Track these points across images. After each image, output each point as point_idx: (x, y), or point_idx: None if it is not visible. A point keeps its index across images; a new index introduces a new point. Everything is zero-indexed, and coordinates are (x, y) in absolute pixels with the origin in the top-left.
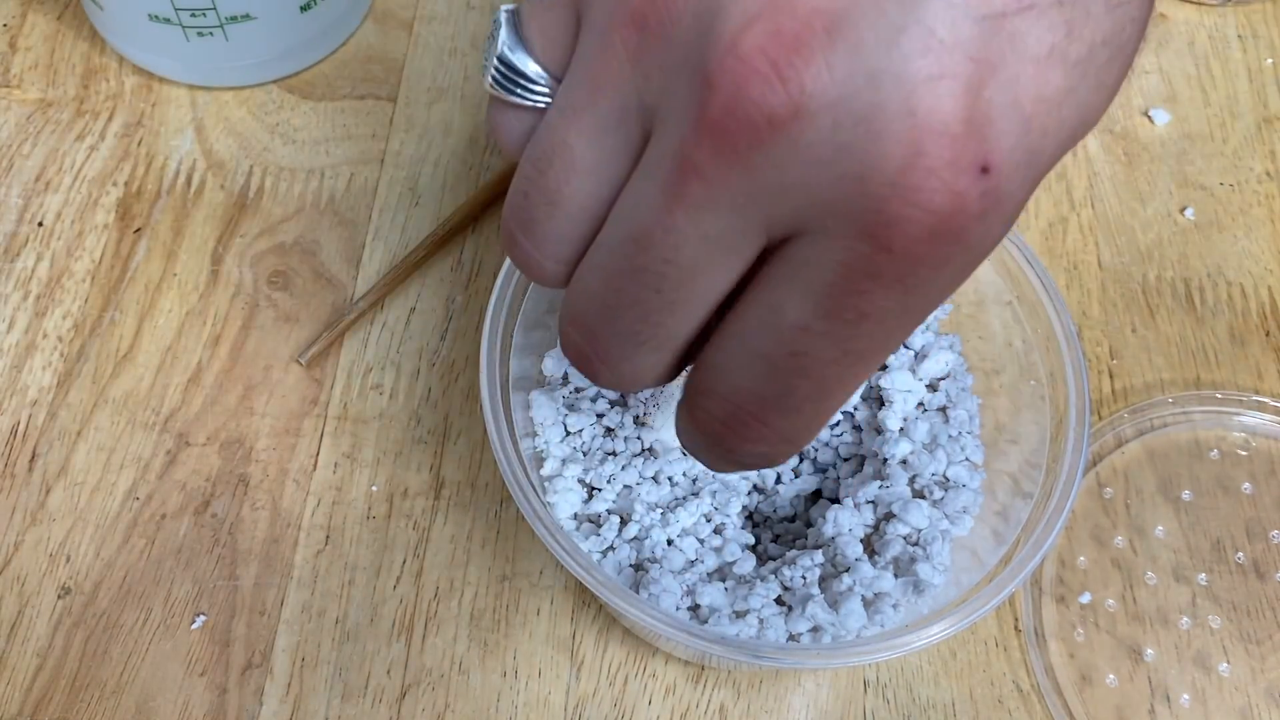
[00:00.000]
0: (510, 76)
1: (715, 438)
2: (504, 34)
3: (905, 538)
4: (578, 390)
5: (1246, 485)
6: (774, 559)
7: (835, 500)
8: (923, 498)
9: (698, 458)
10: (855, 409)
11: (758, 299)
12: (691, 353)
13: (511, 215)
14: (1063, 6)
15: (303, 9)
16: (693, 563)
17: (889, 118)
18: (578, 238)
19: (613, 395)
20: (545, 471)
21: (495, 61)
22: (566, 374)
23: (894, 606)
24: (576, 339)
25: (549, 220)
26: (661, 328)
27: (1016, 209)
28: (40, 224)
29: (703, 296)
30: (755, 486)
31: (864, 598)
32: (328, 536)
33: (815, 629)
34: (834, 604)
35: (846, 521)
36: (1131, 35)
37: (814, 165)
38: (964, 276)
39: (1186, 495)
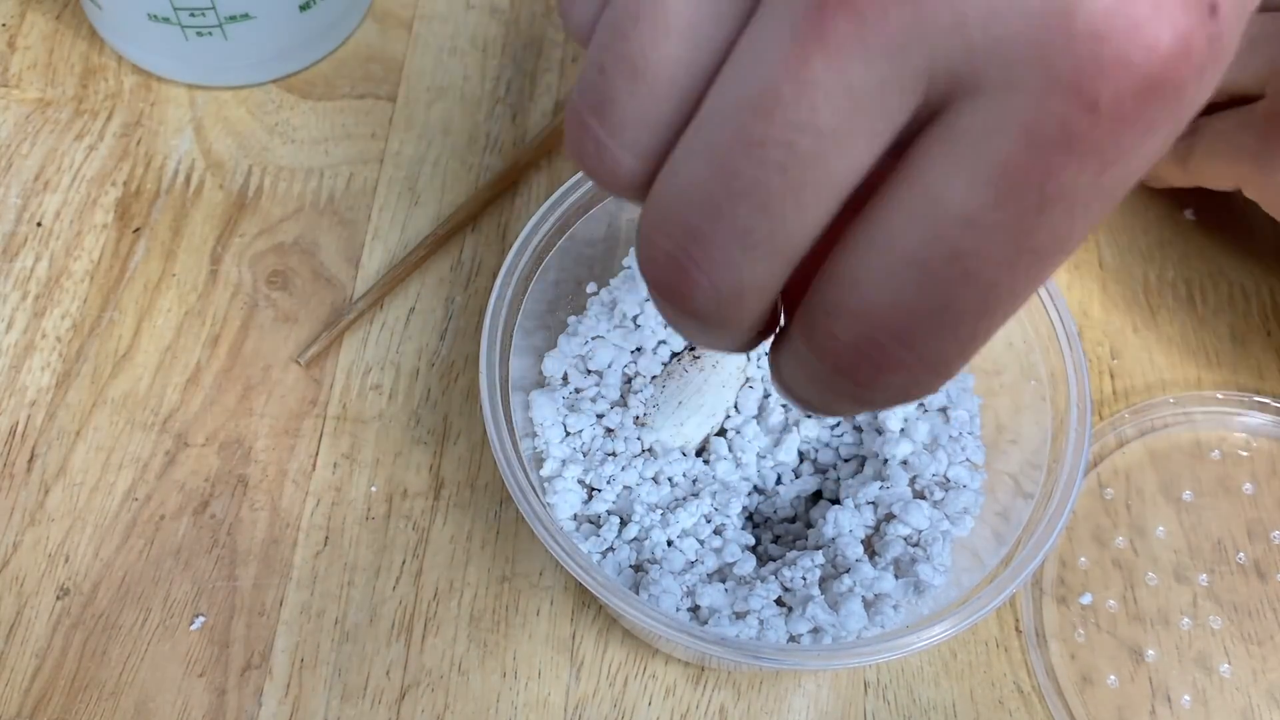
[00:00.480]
0: None
1: (843, 370)
2: None
3: (905, 538)
4: (578, 390)
5: (1247, 485)
6: (774, 560)
7: (835, 501)
8: (923, 498)
9: (803, 401)
10: None
11: (909, 186)
12: (796, 278)
13: (582, 97)
14: None
15: (302, 8)
16: (693, 563)
17: None
18: (667, 121)
19: (613, 396)
20: (545, 472)
21: None
22: (566, 374)
23: (894, 607)
24: (668, 246)
25: (631, 98)
26: (783, 223)
27: (1225, 61)
28: (39, 224)
29: (840, 179)
30: (755, 487)
31: (864, 599)
32: (327, 537)
33: (815, 630)
34: (834, 605)
35: (847, 522)
36: None
37: None
38: (1158, 153)
39: (1187, 495)
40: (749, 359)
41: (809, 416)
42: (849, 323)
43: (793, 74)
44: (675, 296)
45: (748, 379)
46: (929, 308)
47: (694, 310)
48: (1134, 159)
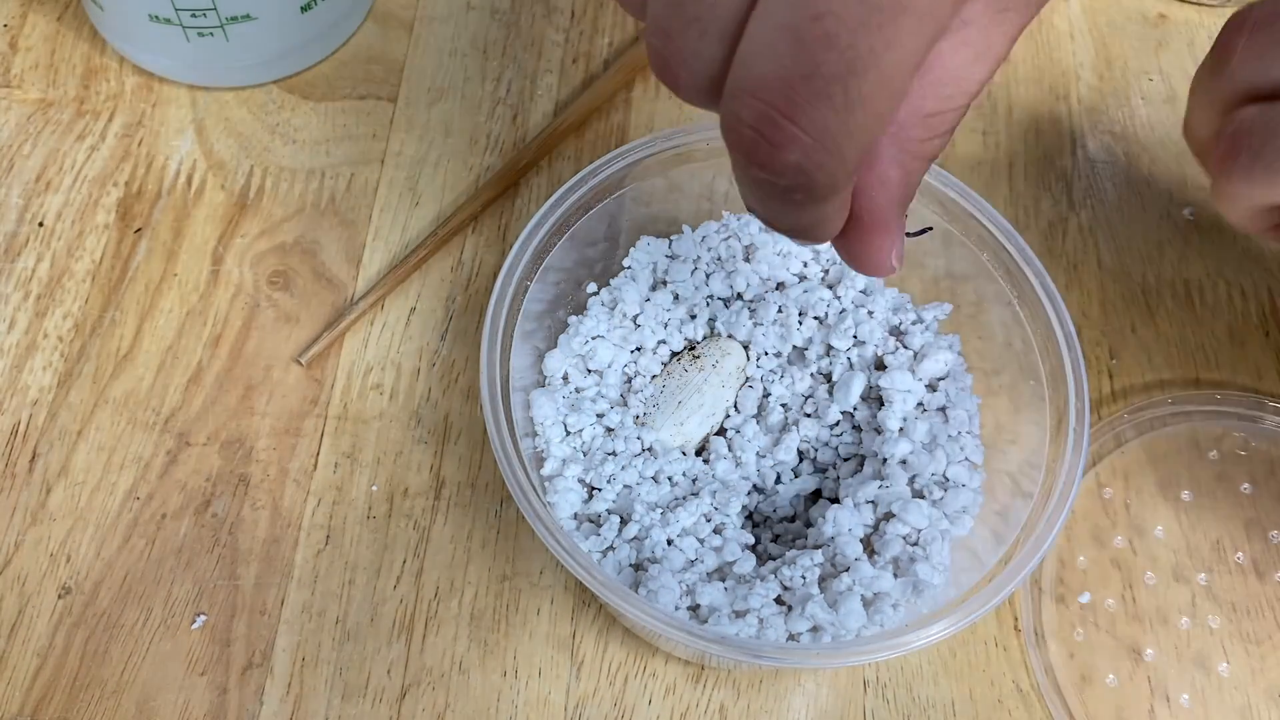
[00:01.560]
0: None
1: (751, 157)
2: None
3: (905, 538)
4: (578, 390)
5: (1246, 485)
6: (774, 559)
7: (835, 500)
8: (922, 498)
9: (754, 210)
10: (855, 409)
11: None
12: None
13: (662, 13)
14: None
15: (303, 9)
16: (692, 562)
17: None
18: (734, 12)
19: (613, 395)
20: (545, 471)
21: None
22: (566, 374)
23: (894, 606)
24: (657, 45)
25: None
26: (718, 6)
27: None
28: (41, 224)
29: None
30: (755, 486)
31: (864, 597)
32: (328, 536)
33: (815, 629)
34: (834, 604)
35: (846, 521)
36: None
37: None
38: None
39: (1186, 495)
40: (748, 358)
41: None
42: (745, 101)
43: None
44: (671, 84)
45: (747, 379)
46: (803, 73)
47: (685, 92)
48: None
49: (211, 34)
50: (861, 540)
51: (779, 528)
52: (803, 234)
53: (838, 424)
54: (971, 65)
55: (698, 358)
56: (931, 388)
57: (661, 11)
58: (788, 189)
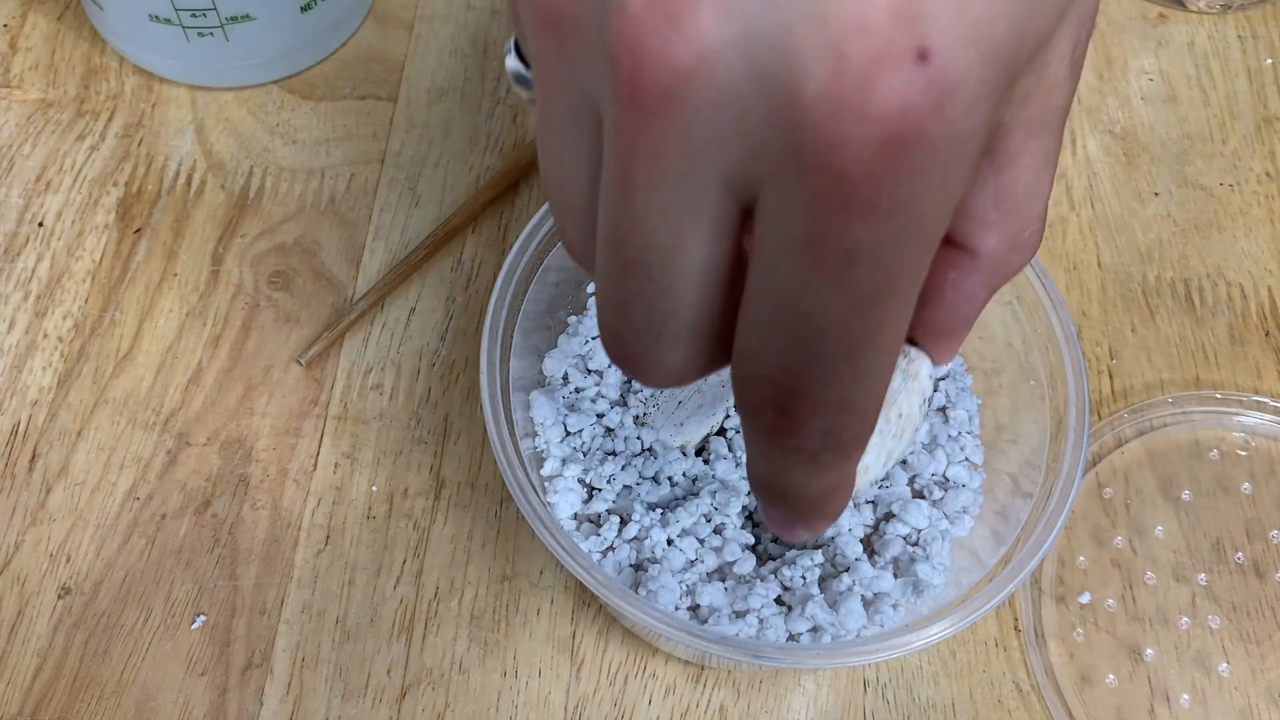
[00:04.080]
0: (518, 79)
1: (774, 429)
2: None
3: (904, 538)
4: (578, 390)
5: (1246, 485)
6: (774, 559)
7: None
8: (922, 498)
9: (770, 487)
10: None
11: (754, 268)
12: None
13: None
14: None
15: (303, 9)
16: (692, 562)
17: (800, 31)
18: (587, 233)
19: (613, 395)
20: (545, 471)
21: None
22: (566, 374)
23: (894, 606)
24: (611, 346)
25: (561, 214)
26: (671, 316)
27: (986, 89)
28: (40, 224)
29: (697, 275)
30: None
31: (864, 598)
32: (328, 536)
33: (815, 629)
34: (834, 604)
35: (846, 521)
36: None
37: (740, 106)
38: (957, 182)
39: (1186, 495)
40: None
41: (791, 547)
42: (757, 387)
43: (625, 212)
44: (635, 379)
45: None
46: (805, 360)
47: (653, 385)
48: (917, 202)
49: (211, 34)
50: (861, 540)
51: None
52: (819, 505)
53: None
54: (1038, 177)
55: None
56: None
57: (608, 317)
58: (816, 451)
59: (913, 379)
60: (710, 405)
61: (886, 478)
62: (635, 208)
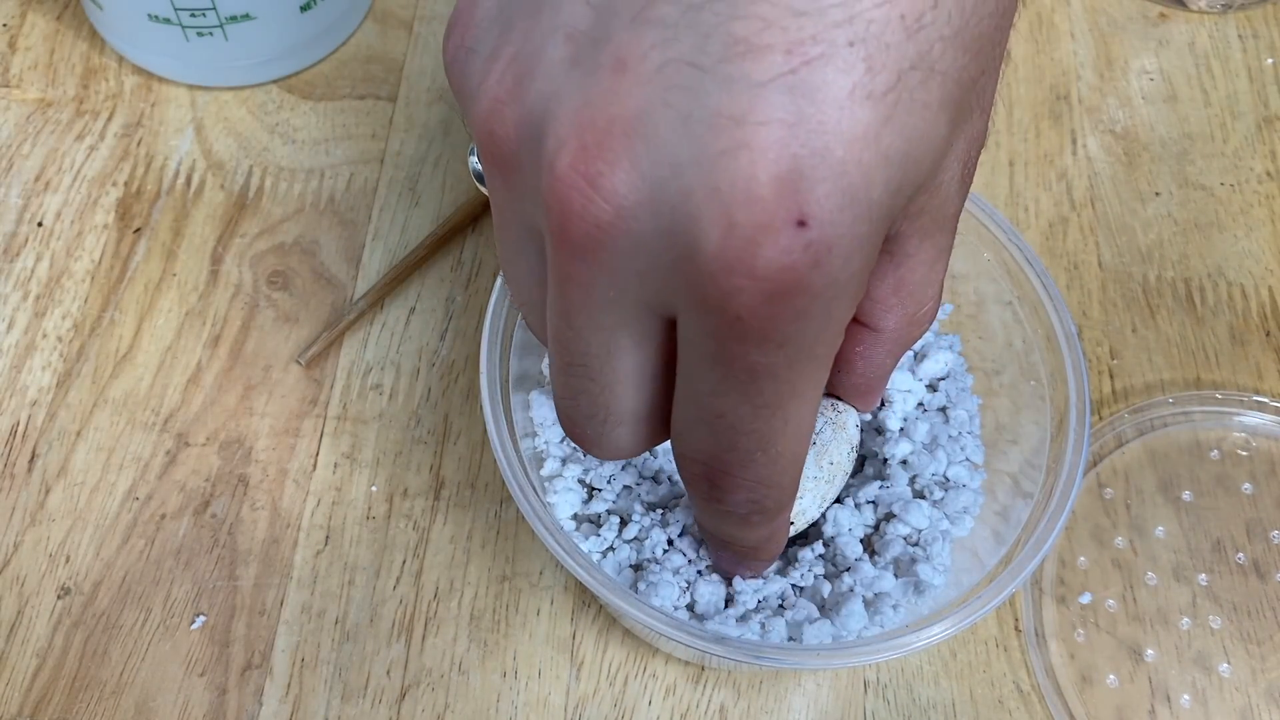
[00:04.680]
0: (479, 178)
1: (706, 495)
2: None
3: (905, 538)
4: None
5: (1247, 485)
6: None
7: (836, 500)
8: (923, 498)
9: (713, 537)
10: None
11: (680, 377)
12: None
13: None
14: (854, 46)
15: (303, 9)
16: (692, 562)
17: (698, 200)
18: (541, 321)
19: None
20: (545, 471)
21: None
22: None
23: (894, 607)
24: (565, 425)
25: (520, 305)
26: (610, 406)
27: (861, 242)
28: (40, 224)
29: (627, 375)
30: None
31: (865, 598)
32: (327, 537)
33: (815, 630)
34: (835, 605)
35: (847, 521)
36: (944, 52)
37: (652, 254)
38: (841, 313)
39: (1187, 495)
40: None
41: (741, 575)
42: (688, 463)
43: (565, 323)
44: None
45: None
46: (725, 449)
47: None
48: (804, 334)
49: (211, 34)
50: (862, 540)
51: None
52: (757, 552)
53: None
54: (932, 268)
55: None
56: (932, 388)
57: (561, 404)
58: (745, 514)
59: (841, 429)
60: None
61: (887, 479)
62: (573, 323)
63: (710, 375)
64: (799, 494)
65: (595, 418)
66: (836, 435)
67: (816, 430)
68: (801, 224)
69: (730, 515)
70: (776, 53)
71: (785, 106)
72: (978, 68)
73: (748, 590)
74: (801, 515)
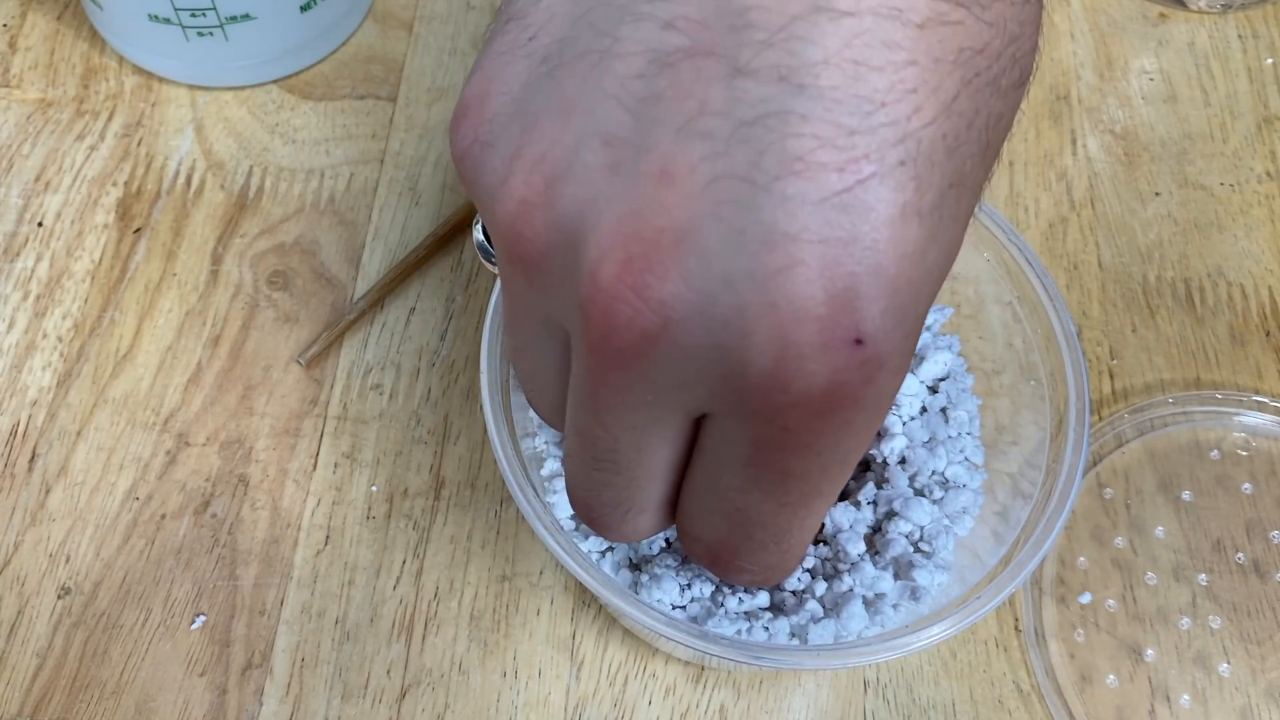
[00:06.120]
0: (485, 253)
1: (708, 566)
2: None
3: (907, 536)
4: None
5: (1247, 485)
6: None
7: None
8: (923, 497)
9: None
10: None
11: (701, 466)
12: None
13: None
14: (905, 166)
15: (303, 9)
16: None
17: (752, 315)
18: (554, 408)
19: None
20: (545, 471)
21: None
22: None
23: (894, 607)
24: (580, 511)
25: (531, 392)
26: (634, 498)
27: (904, 358)
28: (40, 224)
29: (656, 469)
30: None
31: (865, 599)
32: (328, 536)
33: (816, 630)
34: (835, 605)
35: (847, 520)
36: (973, 168)
37: (698, 364)
38: (877, 423)
39: (1187, 495)
40: None
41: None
42: (696, 544)
43: (594, 422)
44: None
45: None
46: (738, 539)
47: (743, 581)
48: (843, 443)
49: (211, 34)
50: (864, 539)
51: None
52: (762, 581)
53: None
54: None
55: None
56: (932, 389)
57: (579, 494)
58: (746, 583)
59: None
60: None
61: (887, 479)
62: (605, 423)
63: (740, 474)
64: None
65: (618, 508)
66: None
67: None
68: (858, 342)
69: (729, 577)
70: (831, 171)
71: (840, 225)
72: (986, 180)
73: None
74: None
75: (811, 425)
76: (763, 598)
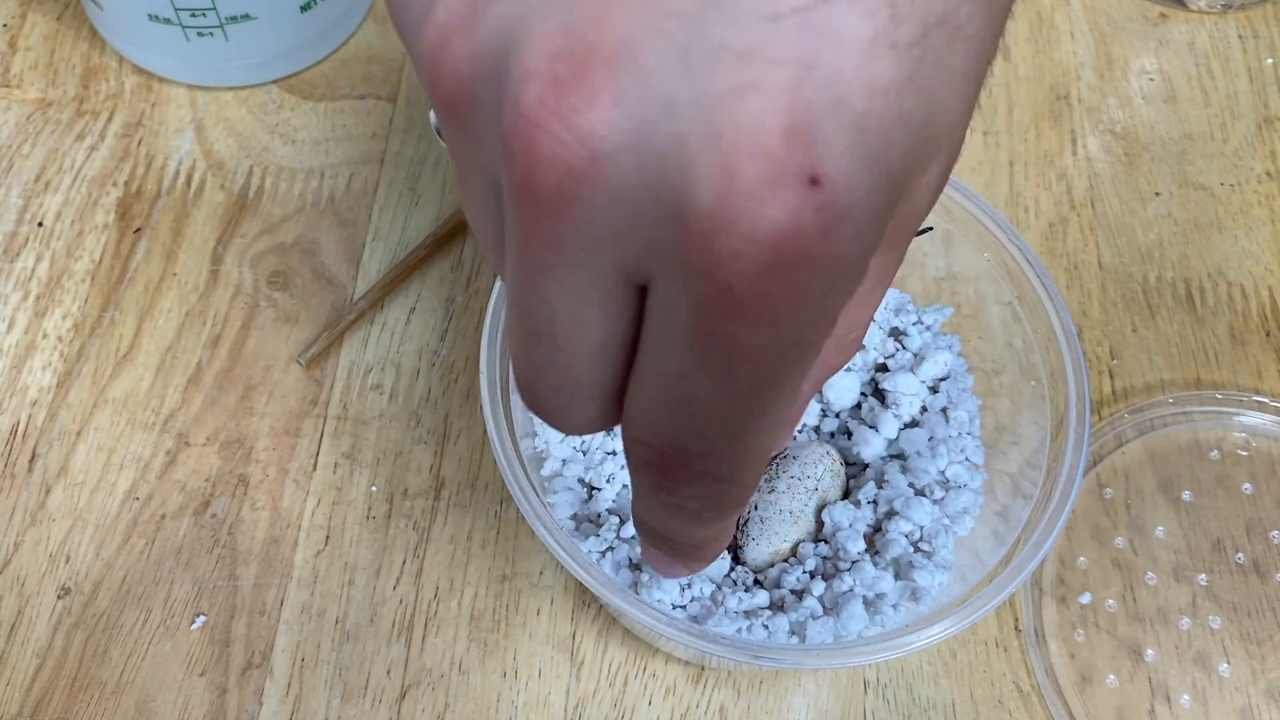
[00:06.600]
0: (440, 133)
1: (657, 484)
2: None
3: (907, 536)
4: None
5: (1247, 485)
6: None
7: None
8: (923, 497)
9: (654, 533)
10: (858, 406)
11: (643, 349)
12: None
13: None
14: None
15: (303, 9)
16: None
17: (694, 145)
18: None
19: None
20: (545, 471)
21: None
22: None
23: (894, 607)
24: (528, 399)
25: (484, 247)
26: (579, 379)
27: (875, 215)
28: (40, 224)
29: (599, 347)
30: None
31: (865, 598)
32: (328, 537)
33: (816, 629)
34: (835, 605)
35: (846, 518)
36: (971, 15)
37: (632, 207)
38: (843, 293)
39: (1187, 495)
40: None
41: (673, 575)
42: (639, 447)
43: (528, 289)
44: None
45: None
46: (687, 437)
47: (566, 434)
48: (799, 313)
49: (211, 34)
50: (864, 538)
51: None
52: (696, 552)
53: (838, 425)
54: (874, 288)
55: None
56: (932, 389)
57: (523, 375)
58: (696, 510)
59: (837, 477)
60: (790, 524)
61: (887, 479)
62: (536, 287)
63: (683, 353)
64: (780, 537)
65: (561, 390)
66: (834, 482)
67: (817, 477)
68: (814, 182)
69: (677, 510)
70: None
71: (801, 46)
72: (993, 47)
73: (672, 588)
74: (775, 553)
75: (758, 283)
76: (762, 596)
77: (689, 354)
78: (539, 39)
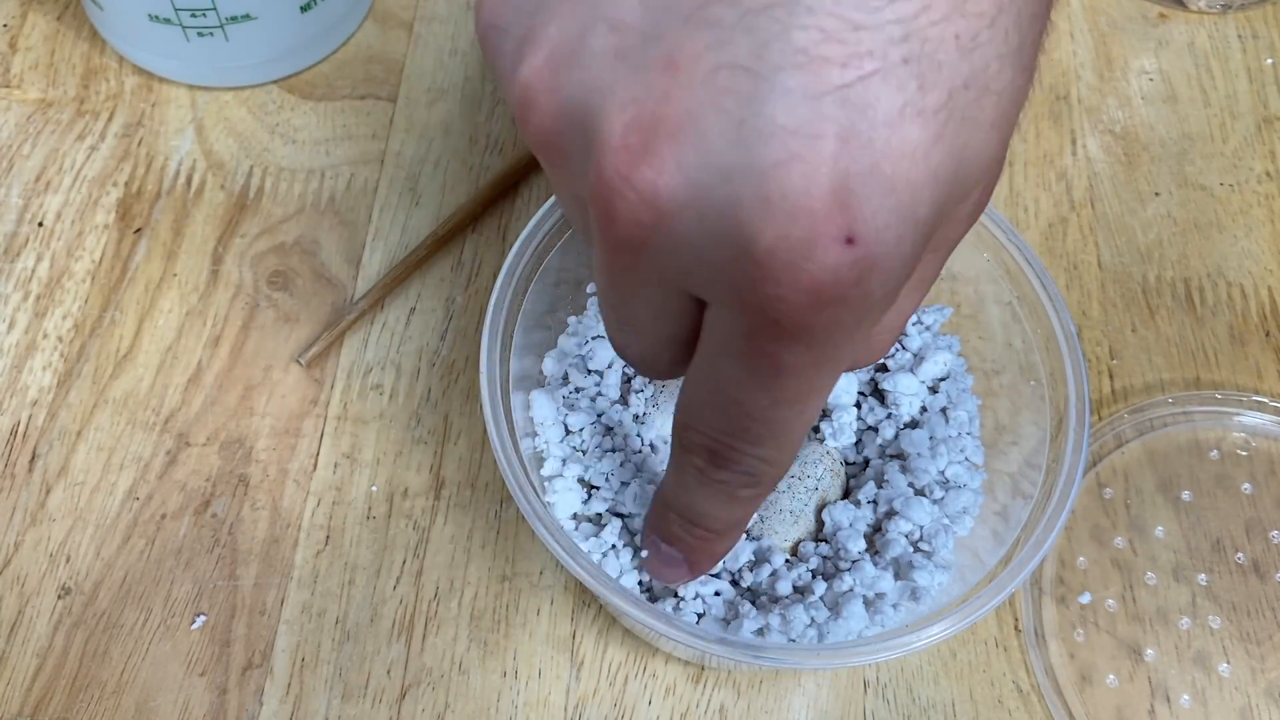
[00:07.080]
0: None
1: (704, 467)
2: None
3: (907, 536)
4: (577, 390)
5: (1246, 485)
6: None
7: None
8: (923, 497)
9: (674, 535)
10: (858, 404)
11: (700, 354)
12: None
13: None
14: (909, 64)
15: (303, 9)
16: None
17: (746, 207)
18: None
19: (613, 395)
20: (545, 471)
21: None
22: (567, 373)
23: (894, 607)
24: (621, 355)
25: (579, 234)
26: (656, 351)
27: (904, 260)
28: (40, 224)
29: (670, 339)
30: None
31: (865, 598)
32: (328, 536)
33: (816, 629)
34: (835, 605)
35: (847, 518)
36: (1000, 70)
37: (695, 252)
38: (873, 319)
39: (1186, 495)
40: None
41: (677, 580)
42: (694, 437)
43: (612, 294)
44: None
45: None
46: (735, 430)
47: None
48: (833, 341)
49: (211, 34)
50: (864, 538)
51: None
52: (715, 542)
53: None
54: (910, 295)
55: None
56: (932, 389)
57: (616, 342)
58: (736, 488)
59: (836, 476)
60: (801, 512)
61: (886, 479)
62: (618, 297)
63: (735, 366)
64: (780, 537)
65: (646, 358)
66: (834, 482)
67: (817, 477)
68: (850, 241)
69: (719, 487)
70: (833, 65)
71: (839, 120)
72: (1025, 93)
73: (666, 593)
74: (783, 542)
75: (801, 320)
76: (782, 584)
77: (740, 366)
78: (614, 109)
